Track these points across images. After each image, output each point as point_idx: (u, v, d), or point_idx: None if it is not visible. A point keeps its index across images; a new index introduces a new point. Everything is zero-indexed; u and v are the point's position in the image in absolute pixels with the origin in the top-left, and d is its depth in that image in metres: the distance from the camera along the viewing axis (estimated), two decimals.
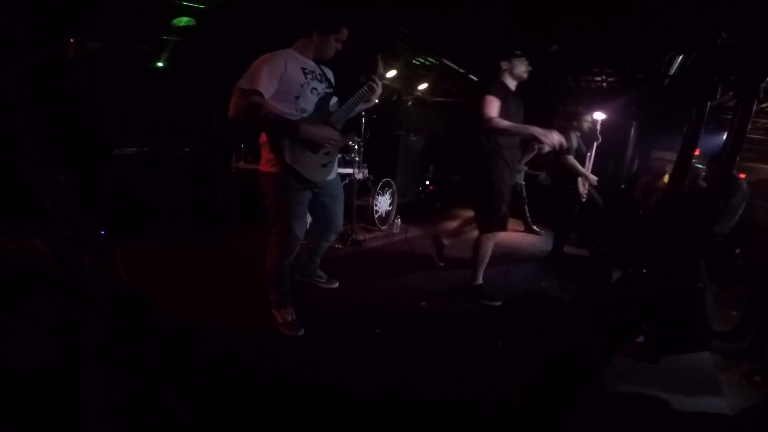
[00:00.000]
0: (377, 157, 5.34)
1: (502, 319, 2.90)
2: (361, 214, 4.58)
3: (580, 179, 4.06)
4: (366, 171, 4.86)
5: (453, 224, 3.44)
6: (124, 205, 3.96)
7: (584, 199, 4.13)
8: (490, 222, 2.94)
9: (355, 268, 3.66)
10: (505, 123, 2.65)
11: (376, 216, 4.89)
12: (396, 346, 2.35)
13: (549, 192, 4.95)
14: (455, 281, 3.51)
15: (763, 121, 6.19)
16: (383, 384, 2.03)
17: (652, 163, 5.88)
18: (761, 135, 6.67)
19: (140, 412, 1.56)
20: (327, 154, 2.27)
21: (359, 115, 3.88)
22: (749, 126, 1.01)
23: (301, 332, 2.37)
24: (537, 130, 2.65)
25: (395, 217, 5.18)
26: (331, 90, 2.32)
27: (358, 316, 2.68)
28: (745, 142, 1.05)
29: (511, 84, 2.89)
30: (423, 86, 6.87)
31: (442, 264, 3.76)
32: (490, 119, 2.62)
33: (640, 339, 2.30)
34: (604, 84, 6.36)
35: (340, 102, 2.34)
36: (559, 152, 4.07)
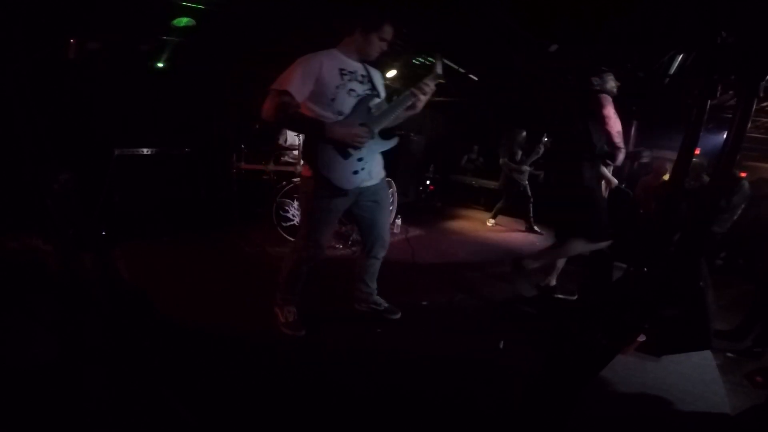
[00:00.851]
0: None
1: (502, 319, 2.90)
2: None
3: (603, 182, 4.07)
4: None
5: (530, 245, 3.36)
6: (124, 205, 3.97)
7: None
8: (599, 232, 2.86)
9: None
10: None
11: None
12: (396, 346, 2.35)
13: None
14: (455, 281, 3.51)
15: (764, 120, 6.18)
16: (384, 383, 2.03)
17: (653, 162, 5.87)
18: (762, 134, 6.66)
19: (141, 412, 1.56)
20: (360, 160, 2.14)
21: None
22: (749, 125, 1.01)
23: (303, 333, 2.36)
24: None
25: (396, 217, 5.18)
26: (375, 92, 2.22)
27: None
28: (746, 140, 1.05)
29: None
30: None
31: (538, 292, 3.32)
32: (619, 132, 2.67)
33: (642, 338, 2.29)
34: None
35: (384, 104, 2.23)
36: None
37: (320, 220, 2.21)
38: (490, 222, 6.09)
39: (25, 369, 1.40)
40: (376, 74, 2.29)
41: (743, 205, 4.27)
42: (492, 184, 7.66)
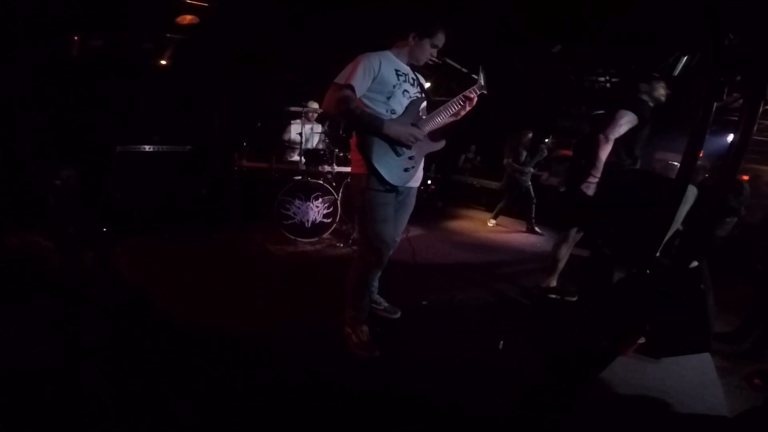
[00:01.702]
0: None
1: (502, 319, 2.90)
2: None
3: None
4: None
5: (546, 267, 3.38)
6: (126, 203, 3.97)
7: None
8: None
9: None
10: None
11: None
12: (396, 346, 2.35)
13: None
14: (455, 281, 3.51)
15: (767, 122, 6.17)
16: (383, 383, 2.03)
17: (656, 164, 5.86)
18: (765, 137, 6.64)
19: (141, 410, 1.56)
20: (410, 158, 2.20)
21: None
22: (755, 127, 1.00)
23: (378, 353, 2.24)
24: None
25: None
26: (423, 95, 2.28)
27: None
28: (750, 143, 1.05)
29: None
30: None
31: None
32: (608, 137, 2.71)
33: (641, 340, 2.29)
34: (608, 84, 6.34)
35: (431, 109, 2.29)
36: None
37: (378, 215, 2.18)
38: (491, 222, 6.09)
39: (26, 367, 1.40)
40: (422, 79, 2.37)
41: (743, 208, 4.27)
42: (493, 185, 7.65)
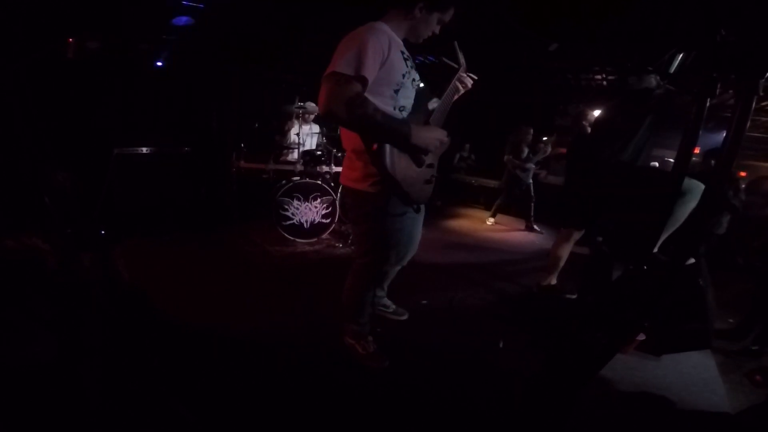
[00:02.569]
0: None
1: (502, 319, 2.90)
2: None
3: None
4: None
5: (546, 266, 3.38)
6: (124, 205, 3.97)
7: None
8: None
9: None
10: None
11: None
12: (396, 345, 2.34)
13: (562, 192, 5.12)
14: (455, 280, 3.51)
15: (764, 119, 6.18)
16: (383, 383, 2.02)
17: (651, 161, 5.86)
18: (761, 133, 6.65)
19: (141, 411, 1.56)
20: (429, 166, 1.82)
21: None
22: (749, 123, 1.00)
23: (387, 363, 2.10)
24: None
25: None
26: (423, 83, 1.86)
27: None
28: (745, 140, 1.05)
29: None
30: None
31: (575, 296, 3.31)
32: None
33: (642, 338, 2.29)
34: (605, 82, 6.35)
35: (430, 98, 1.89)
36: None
37: (391, 241, 1.86)
38: (490, 221, 6.08)
39: (24, 368, 1.40)
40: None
41: (739, 206, 4.27)
42: (491, 183, 7.65)
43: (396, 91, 1.67)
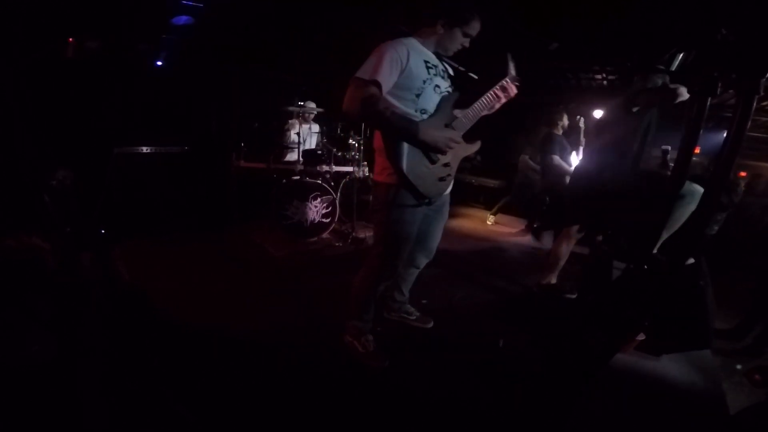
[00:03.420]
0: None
1: (502, 319, 2.89)
2: (361, 212, 4.58)
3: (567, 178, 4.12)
4: (366, 169, 4.87)
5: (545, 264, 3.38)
6: (124, 204, 3.97)
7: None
8: None
9: (355, 266, 3.65)
10: None
11: None
12: (396, 345, 2.34)
13: (540, 191, 5.19)
14: (456, 280, 3.51)
15: (764, 119, 6.17)
16: (383, 383, 2.02)
17: (652, 161, 5.84)
18: (761, 133, 6.64)
19: (140, 410, 1.56)
20: (446, 165, 1.94)
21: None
22: (749, 123, 1.00)
23: (387, 363, 2.13)
24: None
25: None
26: (454, 89, 2.01)
27: None
28: (746, 140, 1.05)
29: None
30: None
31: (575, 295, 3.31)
32: None
33: (641, 337, 2.29)
34: (605, 82, 6.34)
35: (463, 104, 2.00)
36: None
37: (401, 233, 1.98)
38: (490, 220, 6.03)
39: (23, 367, 1.40)
40: (450, 69, 2.09)
41: (734, 204, 4.29)
42: (491, 183, 7.64)
43: (417, 96, 1.84)
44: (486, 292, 3.31)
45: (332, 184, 4.36)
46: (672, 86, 2.35)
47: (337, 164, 4.50)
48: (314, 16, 4.45)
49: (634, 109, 2.69)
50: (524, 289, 3.43)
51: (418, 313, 2.64)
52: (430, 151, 1.85)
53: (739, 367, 2.73)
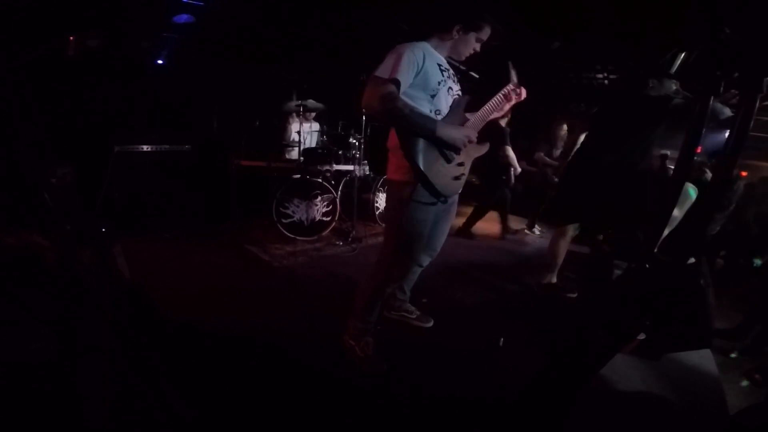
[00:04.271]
0: (378, 154, 5.39)
1: (502, 318, 2.90)
2: (361, 210, 4.58)
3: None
4: (366, 167, 4.87)
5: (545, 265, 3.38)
6: (124, 202, 3.97)
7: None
8: None
9: (355, 264, 3.66)
10: None
11: (377, 213, 4.89)
12: (396, 344, 2.34)
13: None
14: (455, 279, 3.51)
15: (766, 118, 6.15)
16: (383, 382, 2.02)
17: (654, 161, 5.82)
18: (764, 133, 6.63)
19: (140, 408, 1.56)
20: (460, 165, 1.99)
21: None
22: (752, 122, 1.00)
23: (384, 368, 2.11)
24: None
25: None
26: (463, 93, 2.08)
27: None
28: (748, 139, 1.04)
29: None
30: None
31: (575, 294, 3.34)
32: None
33: (642, 337, 2.29)
34: (606, 81, 6.32)
35: (472, 107, 2.04)
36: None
37: (416, 230, 1.99)
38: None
39: (23, 365, 1.40)
40: (458, 73, 2.16)
41: (733, 205, 4.28)
42: None
43: (432, 96, 1.90)
44: (486, 291, 3.31)
45: (333, 182, 4.36)
46: (719, 109, 2.38)
47: (337, 163, 4.50)
48: (315, 14, 4.45)
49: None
50: (524, 288, 3.44)
51: (418, 312, 2.65)
52: (447, 149, 1.90)
53: (733, 355, 2.75)
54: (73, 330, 1.57)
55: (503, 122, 4.53)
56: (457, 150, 1.93)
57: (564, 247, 3.23)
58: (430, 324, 2.62)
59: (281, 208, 4.06)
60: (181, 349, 2.14)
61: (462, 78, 2.13)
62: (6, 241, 1.75)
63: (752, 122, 0.99)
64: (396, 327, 2.55)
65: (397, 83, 1.75)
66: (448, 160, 1.92)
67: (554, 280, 3.32)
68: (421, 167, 1.83)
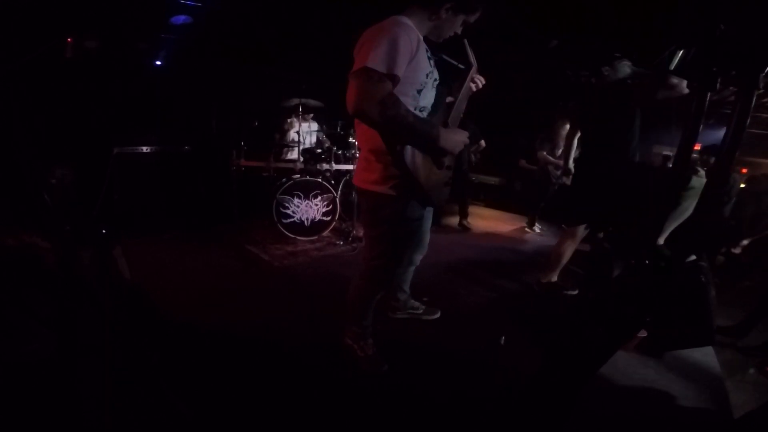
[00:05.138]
0: None
1: (502, 317, 2.89)
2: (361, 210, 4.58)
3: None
4: None
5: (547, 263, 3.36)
6: (125, 204, 3.98)
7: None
8: None
9: (355, 264, 3.65)
10: None
11: None
12: (396, 344, 2.34)
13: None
14: (456, 279, 3.51)
15: (765, 116, 6.15)
16: (383, 382, 2.02)
17: (653, 159, 5.84)
18: (762, 129, 6.63)
19: (140, 407, 1.56)
20: (448, 168, 1.78)
21: None
22: (750, 119, 1.00)
23: (385, 368, 2.05)
24: None
25: None
26: (441, 80, 1.78)
27: None
28: (747, 136, 1.04)
29: None
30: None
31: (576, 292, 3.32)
32: None
33: (643, 334, 2.29)
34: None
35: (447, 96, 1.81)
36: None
37: (407, 243, 1.86)
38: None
39: (23, 365, 1.40)
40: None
41: (732, 202, 4.29)
42: (492, 180, 7.63)
43: (419, 92, 1.60)
44: (486, 290, 3.31)
45: (333, 182, 4.36)
46: (674, 80, 2.33)
47: (337, 162, 4.51)
48: (314, 14, 4.45)
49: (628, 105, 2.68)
50: (525, 287, 3.43)
51: (423, 306, 2.64)
52: (441, 154, 1.66)
53: (730, 342, 2.74)
54: (73, 330, 1.57)
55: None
56: (450, 154, 1.72)
57: (572, 249, 3.20)
58: (438, 315, 2.62)
59: (281, 208, 4.06)
60: (181, 350, 2.14)
61: (461, 75, 1.88)
62: (6, 242, 1.75)
63: (749, 118, 0.99)
64: (396, 327, 2.55)
65: (397, 80, 1.45)
66: (440, 167, 1.69)
67: (555, 279, 3.32)
68: (421, 180, 1.58)
